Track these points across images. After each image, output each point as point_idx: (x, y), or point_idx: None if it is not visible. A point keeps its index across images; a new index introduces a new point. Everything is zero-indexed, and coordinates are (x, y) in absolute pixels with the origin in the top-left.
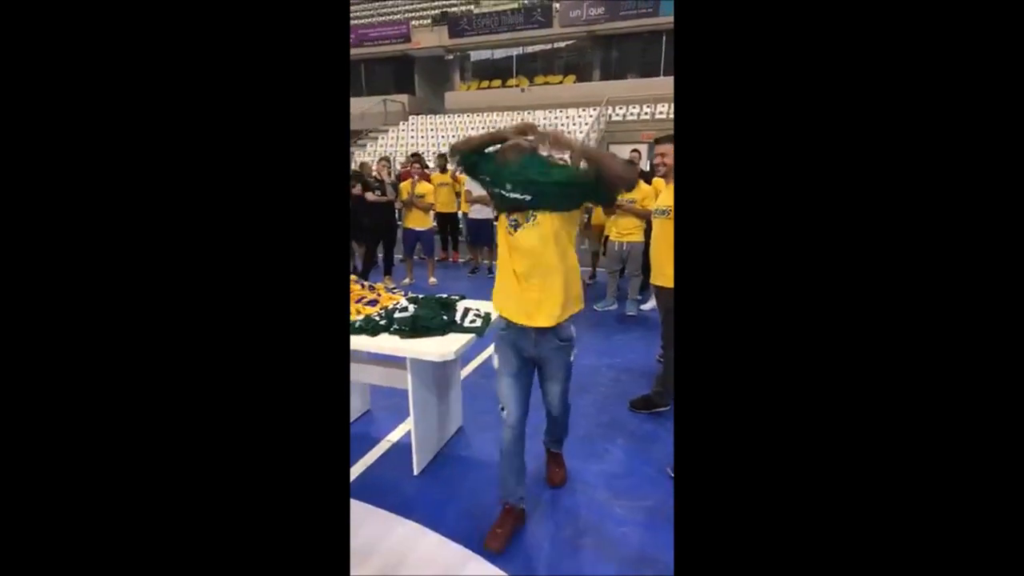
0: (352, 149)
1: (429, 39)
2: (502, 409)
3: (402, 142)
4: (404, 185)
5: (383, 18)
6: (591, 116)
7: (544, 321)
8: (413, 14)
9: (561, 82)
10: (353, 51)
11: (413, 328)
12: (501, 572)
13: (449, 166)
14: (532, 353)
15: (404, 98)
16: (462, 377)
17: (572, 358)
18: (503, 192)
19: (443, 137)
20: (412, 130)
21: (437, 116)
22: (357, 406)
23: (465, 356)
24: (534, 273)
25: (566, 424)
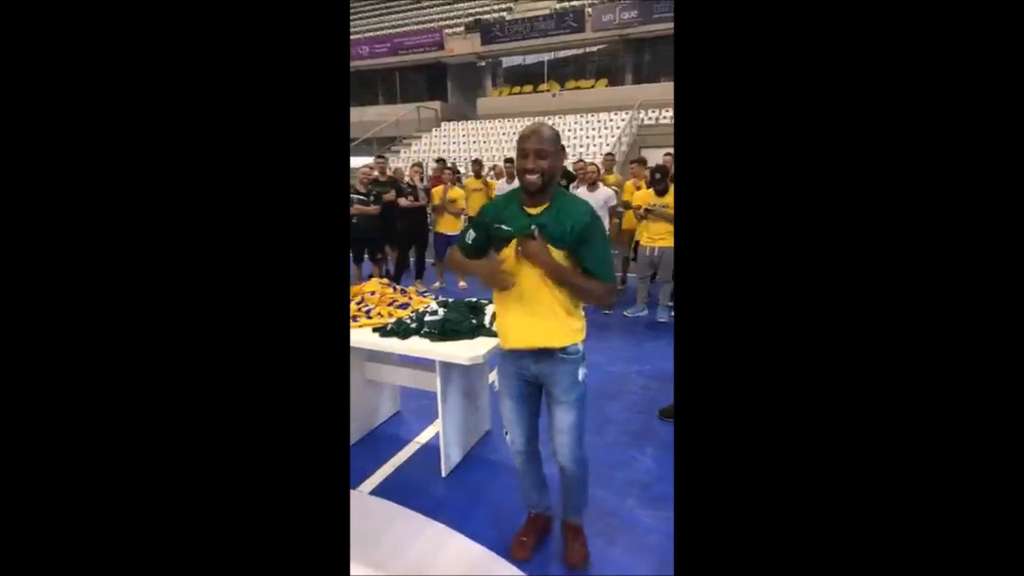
0: (386, 155)
1: (462, 46)
2: (506, 433)
3: (435, 148)
4: (436, 191)
5: (418, 27)
6: (623, 120)
7: (544, 341)
8: (447, 22)
9: (593, 86)
10: (388, 60)
11: (442, 331)
12: None
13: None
14: (535, 371)
15: (437, 105)
16: (490, 381)
17: (582, 377)
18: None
19: (475, 143)
20: (444, 136)
21: (469, 122)
22: (387, 408)
23: (493, 360)
24: (542, 293)
25: (584, 483)
